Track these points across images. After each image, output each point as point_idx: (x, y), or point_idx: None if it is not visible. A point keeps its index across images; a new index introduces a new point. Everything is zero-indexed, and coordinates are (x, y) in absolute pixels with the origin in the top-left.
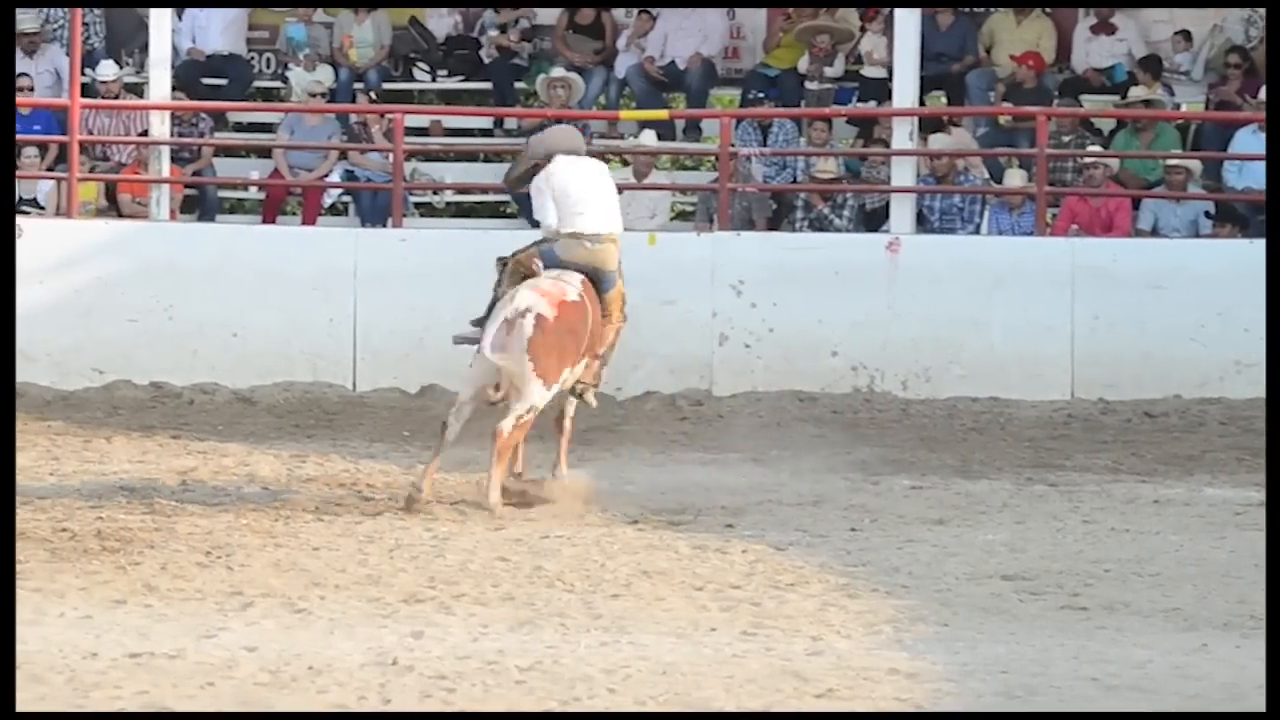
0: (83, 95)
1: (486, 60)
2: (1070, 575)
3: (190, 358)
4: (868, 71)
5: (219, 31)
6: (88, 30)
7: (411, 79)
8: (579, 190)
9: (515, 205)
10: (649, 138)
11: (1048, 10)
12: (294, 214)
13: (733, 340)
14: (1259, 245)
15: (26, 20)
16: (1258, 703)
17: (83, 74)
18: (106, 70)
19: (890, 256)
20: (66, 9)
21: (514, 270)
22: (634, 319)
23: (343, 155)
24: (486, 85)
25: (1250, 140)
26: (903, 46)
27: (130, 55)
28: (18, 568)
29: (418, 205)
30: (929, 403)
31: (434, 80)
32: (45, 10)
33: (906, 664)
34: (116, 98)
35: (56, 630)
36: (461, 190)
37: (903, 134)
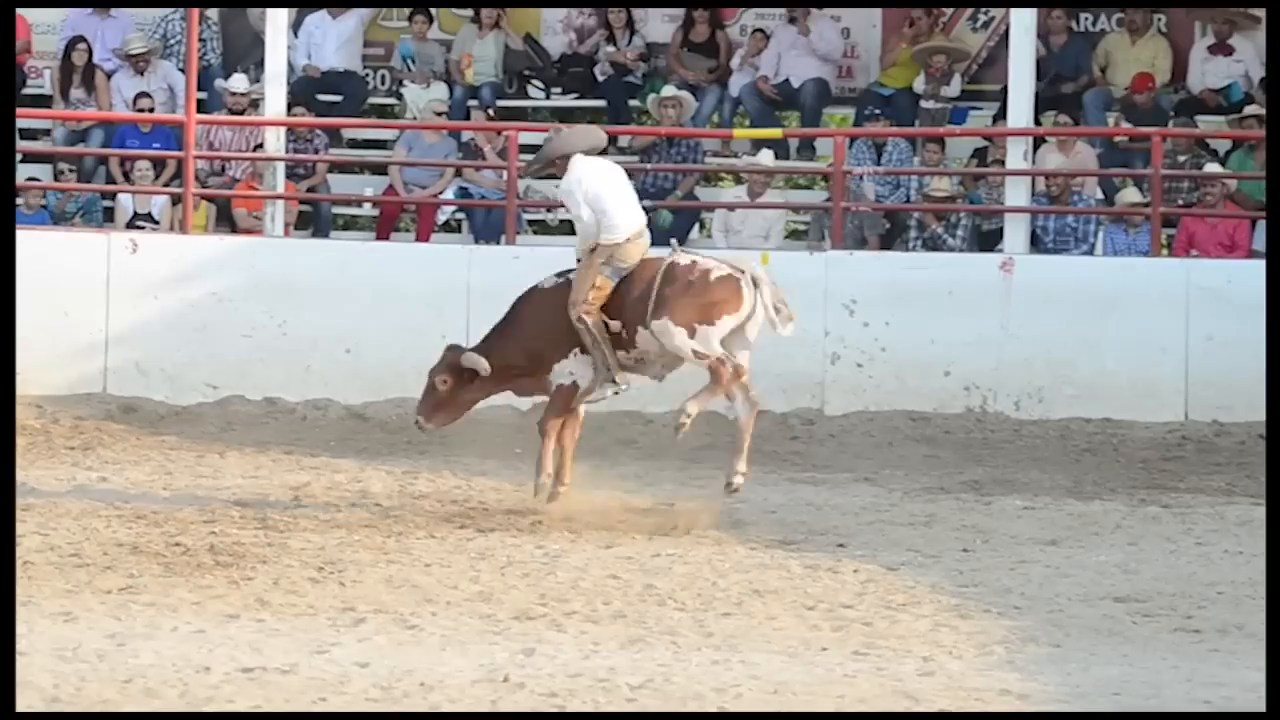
0: (199, 110)
1: (601, 78)
2: (1184, 598)
3: (304, 373)
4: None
5: (334, 48)
6: (204, 46)
7: (526, 96)
8: (612, 192)
9: None
10: (766, 157)
11: (1163, 29)
12: (408, 231)
13: (845, 359)
14: None
15: (135, 42)
16: None
17: (207, 88)
18: (238, 83)
19: (1004, 276)
20: (184, 25)
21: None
22: None
23: (457, 172)
24: (600, 103)
25: None
26: (1017, 66)
27: (246, 71)
28: (131, 581)
29: (531, 222)
30: (1042, 423)
31: (548, 98)
32: (161, 27)
33: (1018, 685)
34: (244, 112)
35: (170, 644)
36: None
37: (1017, 154)
